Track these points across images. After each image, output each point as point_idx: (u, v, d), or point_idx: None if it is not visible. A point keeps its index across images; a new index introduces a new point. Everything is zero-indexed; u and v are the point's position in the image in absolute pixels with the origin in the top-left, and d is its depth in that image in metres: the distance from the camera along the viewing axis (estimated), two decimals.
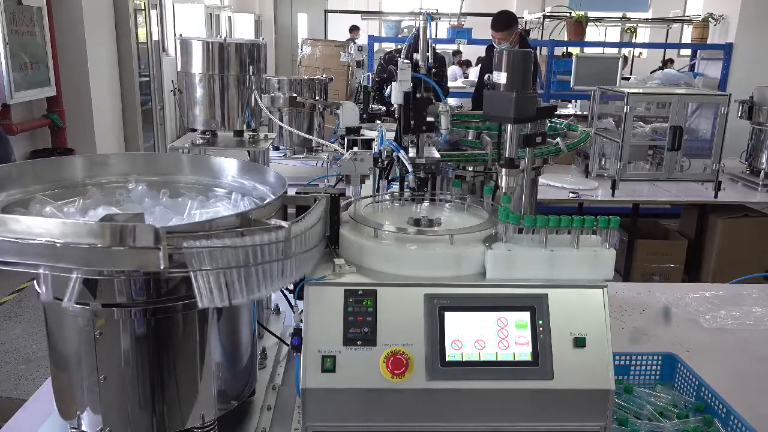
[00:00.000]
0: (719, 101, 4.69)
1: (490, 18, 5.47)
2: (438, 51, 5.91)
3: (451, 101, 6.06)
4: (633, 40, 10.74)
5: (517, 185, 1.67)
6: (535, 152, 2.04)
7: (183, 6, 11.53)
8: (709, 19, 7.70)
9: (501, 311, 1.27)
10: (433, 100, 1.76)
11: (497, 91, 1.53)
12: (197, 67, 1.85)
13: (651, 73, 8.16)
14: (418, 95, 1.70)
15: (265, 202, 1.31)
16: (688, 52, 9.78)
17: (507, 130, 1.61)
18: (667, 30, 12.11)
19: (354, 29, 12.85)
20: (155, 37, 9.41)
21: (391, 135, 1.75)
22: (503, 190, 1.62)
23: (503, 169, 1.64)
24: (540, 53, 8.43)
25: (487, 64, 5.84)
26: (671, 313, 2.24)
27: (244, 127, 1.96)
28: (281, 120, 3.83)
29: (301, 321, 1.26)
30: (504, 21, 5.33)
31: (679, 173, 4.71)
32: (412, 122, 1.70)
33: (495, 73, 1.54)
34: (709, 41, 7.79)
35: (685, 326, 2.14)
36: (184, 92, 1.94)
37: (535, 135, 1.73)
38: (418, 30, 1.78)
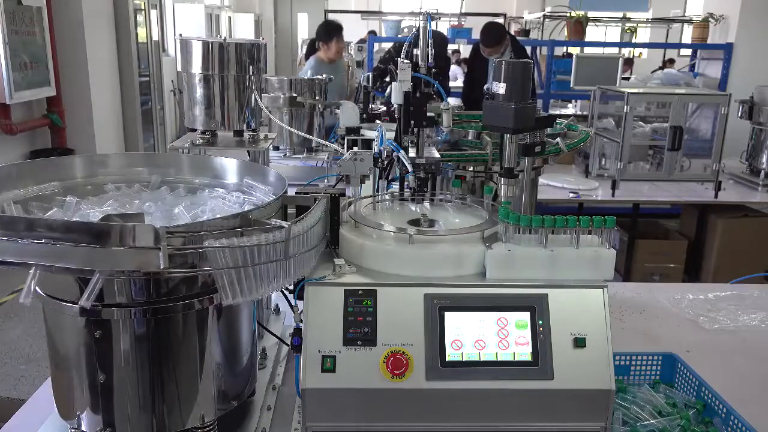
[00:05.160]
0: (719, 101, 4.68)
1: (490, 18, 5.48)
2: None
3: (452, 101, 6.07)
4: (633, 40, 10.73)
5: (515, 193, 1.68)
6: None
7: (183, 6, 11.53)
8: (709, 19, 7.69)
9: (501, 311, 1.27)
10: (434, 96, 1.76)
11: (497, 101, 1.53)
12: (197, 67, 1.85)
13: (651, 73, 8.15)
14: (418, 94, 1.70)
15: (265, 202, 1.31)
16: (688, 52, 9.77)
17: (506, 140, 1.61)
18: (667, 30, 12.10)
19: (372, 33, 12.81)
20: (155, 37, 9.40)
21: (391, 135, 1.75)
22: (501, 200, 1.62)
23: (502, 179, 1.65)
24: (540, 53, 8.44)
25: (476, 67, 5.84)
26: (671, 313, 2.24)
27: (244, 127, 1.95)
28: (281, 120, 3.83)
29: (301, 321, 1.26)
30: (495, 37, 5.40)
31: (679, 173, 4.71)
32: (412, 121, 1.70)
33: (494, 83, 1.54)
34: (709, 41, 7.78)
35: (685, 326, 2.14)
36: (184, 92, 1.94)
37: (534, 144, 1.73)
38: (418, 29, 1.78)
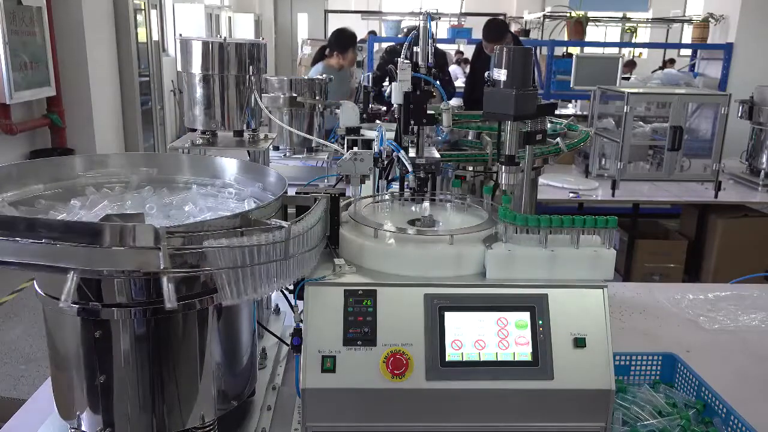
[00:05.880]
0: (719, 101, 4.68)
1: (490, 17, 5.50)
2: (438, 47, 5.91)
3: (452, 101, 6.07)
4: (633, 40, 10.73)
5: (516, 183, 1.67)
6: (535, 152, 2.04)
7: (183, 6, 11.53)
8: (709, 19, 7.69)
9: (501, 311, 1.27)
10: (433, 94, 1.76)
11: (497, 88, 1.53)
12: (197, 67, 1.85)
13: (651, 73, 8.16)
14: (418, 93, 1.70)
15: (265, 202, 1.31)
16: (688, 52, 9.77)
17: (507, 127, 1.61)
18: (667, 30, 12.11)
19: (372, 33, 12.84)
20: (155, 37, 9.40)
21: (391, 135, 1.75)
22: (502, 188, 1.62)
23: (503, 167, 1.64)
24: (540, 53, 8.44)
25: (478, 67, 5.88)
26: (671, 313, 2.24)
27: (244, 127, 1.95)
28: (281, 120, 3.83)
29: (301, 321, 1.26)
30: (497, 32, 5.42)
31: (679, 173, 4.71)
32: (412, 120, 1.70)
33: (495, 70, 1.54)
34: (709, 41, 7.78)
35: (685, 326, 2.14)
36: (184, 92, 1.94)
37: (535, 132, 1.72)
38: (417, 29, 1.78)
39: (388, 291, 1.27)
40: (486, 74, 1.58)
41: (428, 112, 1.70)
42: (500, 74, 1.52)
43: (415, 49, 1.75)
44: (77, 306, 1.15)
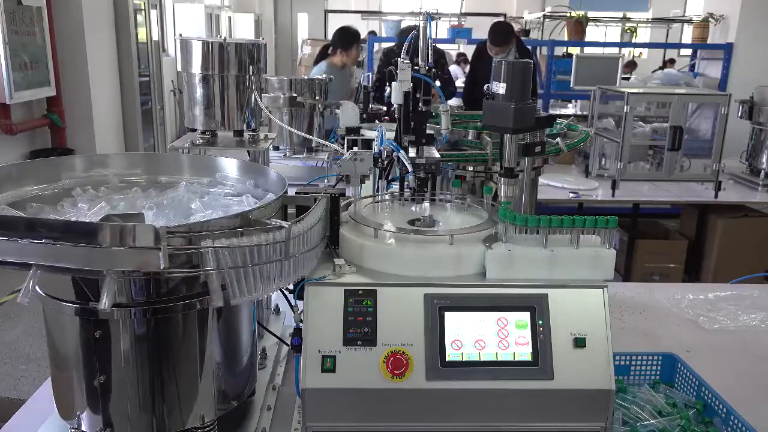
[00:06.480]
0: (719, 101, 4.69)
1: (490, 17, 5.49)
2: (437, 46, 5.92)
3: (452, 101, 6.07)
4: (633, 40, 10.73)
5: (515, 193, 1.68)
6: None
7: (183, 6, 11.53)
8: (709, 19, 7.70)
9: (501, 311, 1.27)
10: (433, 113, 1.77)
11: (496, 101, 1.53)
12: (197, 67, 1.85)
13: (651, 73, 8.16)
14: (419, 106, 1.70)
15: (265, 202, 1.31)
16: (688, 52, 9.77)
17: (506, 140, 1.61)
18: (668, 30, 12.11)
19: (372, 33, 12.85)
20: (155, 37, 9.40)
21: (391, 135, 1.75)
22: (502, 200, 1.62)
23: (502, 179, 1.65)
24: (540, 53, 8.44)
25: (478, 67, 5.89)
26: (671, 313, 2.24)
27: (244, 127, 1.95)
28: (281, 120, 3.83)
29: (301, 321, 1.26)
30: (503, 36, 5.43)
31: (679, 173, 4.71)
32: (411, 123, 1.70)
33: (494, 83, 1.54)
34: (709, 41, 7.78)
35: (685, 326, 2.14)
36: (184, 92, 1.94)
37: (534, 144, 1.73)
38: (417, 29, 1.78)
39: (388, 291, 1.27)
40: (486, 87, 1.59)
41: (428, 132, 1.71)
42: (499, 87, 1.52)
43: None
44: (77, 306, 1.15)
